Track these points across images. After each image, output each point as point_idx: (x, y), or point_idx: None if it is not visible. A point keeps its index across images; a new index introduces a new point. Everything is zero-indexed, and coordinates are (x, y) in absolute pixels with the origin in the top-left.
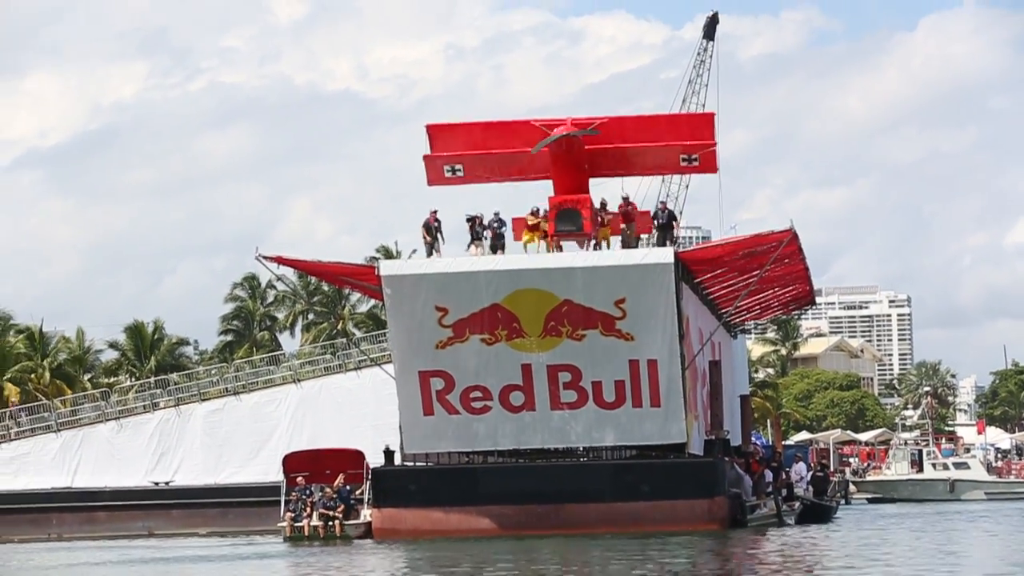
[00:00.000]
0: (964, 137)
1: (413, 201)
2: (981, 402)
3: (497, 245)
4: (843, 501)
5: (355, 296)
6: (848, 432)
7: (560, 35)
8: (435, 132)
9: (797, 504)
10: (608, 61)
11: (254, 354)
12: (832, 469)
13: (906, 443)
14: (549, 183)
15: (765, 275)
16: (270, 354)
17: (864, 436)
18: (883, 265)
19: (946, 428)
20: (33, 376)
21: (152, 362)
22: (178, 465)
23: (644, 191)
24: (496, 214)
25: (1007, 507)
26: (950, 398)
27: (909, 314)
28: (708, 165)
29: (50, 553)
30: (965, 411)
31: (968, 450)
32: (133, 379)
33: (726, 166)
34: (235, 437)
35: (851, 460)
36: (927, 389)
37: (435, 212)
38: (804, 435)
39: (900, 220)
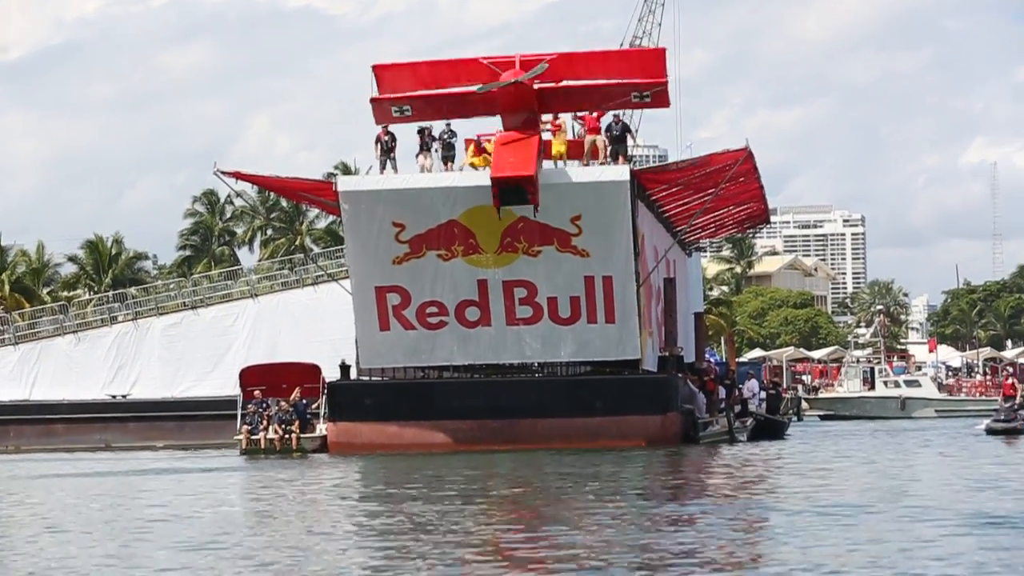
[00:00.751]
0: (920, 58)
1: (372, 118)
2: (933, 321)
3: (448, 156)
4: (795, 418)
5: (313, 212)
6: (801, 350)
7: None
8: (381, 72)
9: (750, 420)
10: None
11: (212, 269)
12: (785, 386)
13: (858, 361)
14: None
15: (720, 194)
16: (228, 269)
17: (817, 354)
18: (838, 185)
19: (898, 346)
20: None
21: (110, 276)
22: (136, 379)
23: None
24: (448, 125)
25: (956, 424)
26: (902, 316)
27: (863, 233)
28: (660, 101)
29: (9, 465)
30: (917, 329)
31: (919, 368)
32: (91, 293)
33: (684, 86)
34: (193, 351)
35: (804, 377)
36: (880, 308)
37: (386, 126)
38: (758, 352)
39: (855, 140)
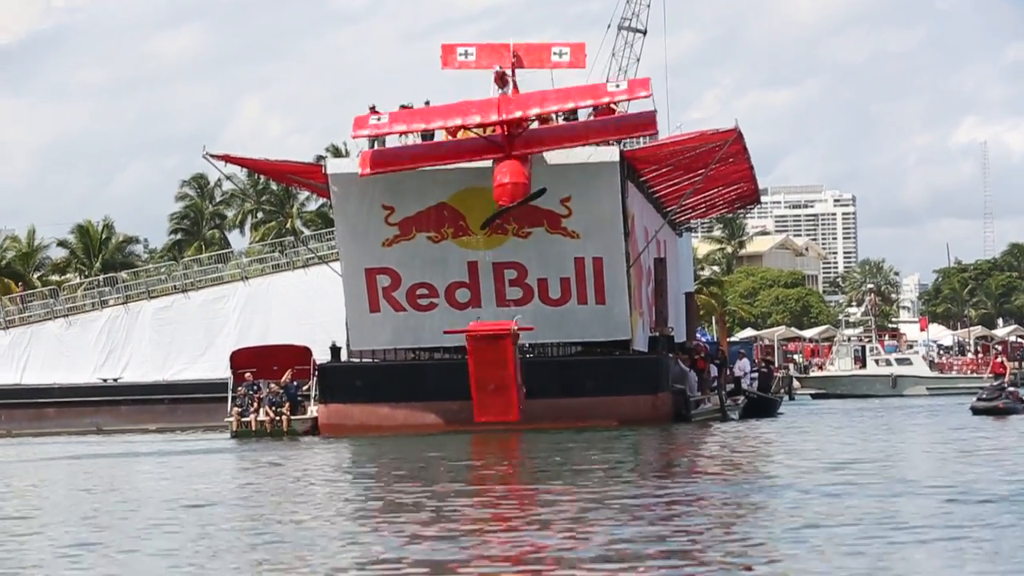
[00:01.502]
0: (911, 38)
1: (364, 99)
2: (924, 299)
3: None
4: (787, 396)
5: (304, 195)
6: (793, 329)
7: None
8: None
9: (741, 399)
10: None
11: (203, 252)
12: (776, 365)
13: (849, 339)
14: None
15: (710, 174)
16: (219, 252)
17: (808, 333)
18: (829, 164)
19: (889, 325)
20: None
21: (99, 260)
22: (127, 362)
23: None
24: (426, 103)
25: (947, 401)
26: (893, 295)
27: (854, 213)
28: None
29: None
30: (908, 308)
31: (911, 346)
32: (82, 277)
33: (674, 65)
34: (183, 334)
35: (795, 356)
36: (871, 287)
37: (373, 107)
38: (749, 332)
39: (846, 120)
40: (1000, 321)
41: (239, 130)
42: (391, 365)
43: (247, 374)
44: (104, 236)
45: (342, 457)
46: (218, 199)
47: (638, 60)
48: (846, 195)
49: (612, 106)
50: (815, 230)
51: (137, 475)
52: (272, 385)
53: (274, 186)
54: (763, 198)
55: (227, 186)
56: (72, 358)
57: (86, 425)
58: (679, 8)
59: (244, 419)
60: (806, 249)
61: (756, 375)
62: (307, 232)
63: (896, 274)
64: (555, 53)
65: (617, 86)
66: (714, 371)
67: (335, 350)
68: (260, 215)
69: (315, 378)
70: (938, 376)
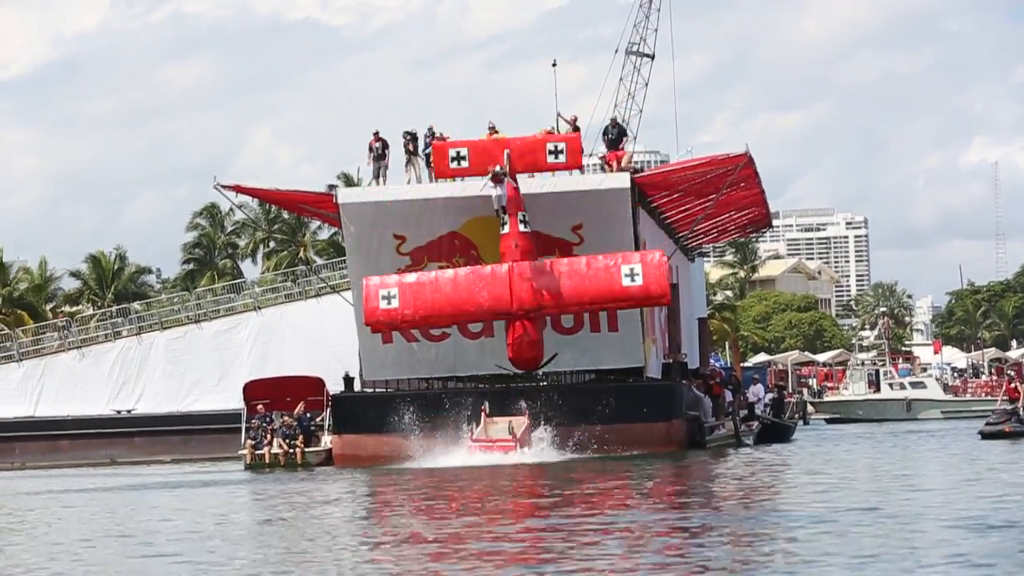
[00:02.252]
0: (920, 59)
1: (373, 127)
2: (937, 322)
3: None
4: (801, 421)
5: (316, 223)
6: (806, 353)
7: None
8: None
9: (756, 424)
10: None
11: (216, 282)
12: (790, 390)
13: (863, 363)
14: None
15: (721, 198)
16: (232, 282)
17: (822, 357)
18: (839, 187)
19: (903, 348)
20: None
21: (112, 291)
22: (140, 393)
23: (595, 118)
24: (430, 128)
25: (962, 425)
26: (906, 318)
27: (866, 235)
28: None
29: (13, 481)
30: (921, 331)
31: (925, 370)
32: (95, 308)
33: (684, 89)
34: (197, 365)
35: (809, 381)
36: (883, 310)
37: (377, 133)
38: (762, 357)
39: (856, 142)
40: (1014, 343)
41: (250, 159)
42: (404, 395)
43: (260, 406)
44: (117, 267)
45: (365, 486)
46: (230, 229)
47: (646, 85)
48: (857, 217)
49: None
50: (827, 253)
51: (152, 509)
52: (285, 417)
53: (286, 215)
54: (774, 221)
55: (239, 216)
56: (85, 390)
57: (100, 457)
58: (688, 31)
59: (258, 451)
60: (819, 272)
61: (770, 401)
62: (319, 261)
63: (909, 297)
64: (550, 152)
65: (631, 274)
66: (728, 396)
67: (348, 380)
68: (272, 244)
69: (328, 409)
70: (952, 399)
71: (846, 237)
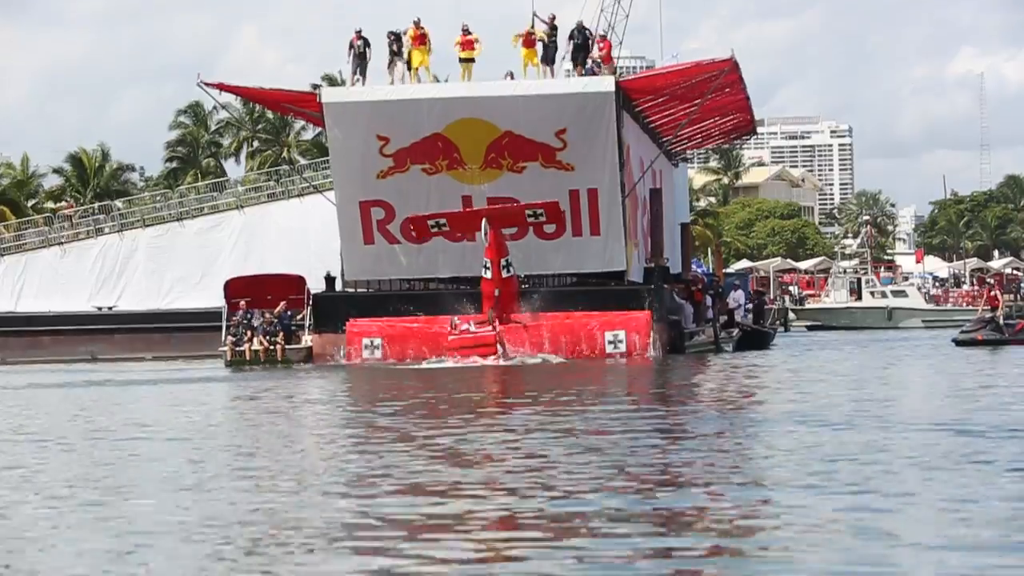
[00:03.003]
0: None
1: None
2: (920, 231)
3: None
4: (783, 328)
5: (300, 124)
6: (788, 260)
7: None
8: None
9: (736, 331)
10: None
11: (200, 181)
12: (772, 297)
13: (845, 271)
14: None
15: (706, 104)
16: (214, 180)
17: (804, 264)
18: (825, 95)
19: (885, 257)
20: None
21: (93, 188)
22: (122, 290)
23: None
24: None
25: (943, 334)
26: (889, 227)
27: (850, 144)
28: None
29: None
30: (904, 240)
31: (906, 278)
32: (77, 205)
33: None
34: (179, 263)
35: (791, 288)
36: (867, 218)
37: (359, 31)
38: (745, 263)
39: (843, 51)
40: (996, 253)
41: (236, 59)
42: (385, 295)
43: (241, 303)
44: (99, 164)
45: (344, 384)
46: (214, 128)
47: None
48: (842, 126)
49: None
50: (811, 161)
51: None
52: (266, 314)
53: (270, 115)
54: (759, 129)
55: (223, 115)
56: (67, 286)
57: (81, 353)
58: None
59: (238, 348)
60: (802, 180)
61: (751, 307)
62: (303, 161)
63: (892, 206)
64: (530, 215)
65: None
66: (709, 302)
67: (329, 280)
68: (256, 144)
69: (309, 307)
70: (934, 308)
71: (830, 146)
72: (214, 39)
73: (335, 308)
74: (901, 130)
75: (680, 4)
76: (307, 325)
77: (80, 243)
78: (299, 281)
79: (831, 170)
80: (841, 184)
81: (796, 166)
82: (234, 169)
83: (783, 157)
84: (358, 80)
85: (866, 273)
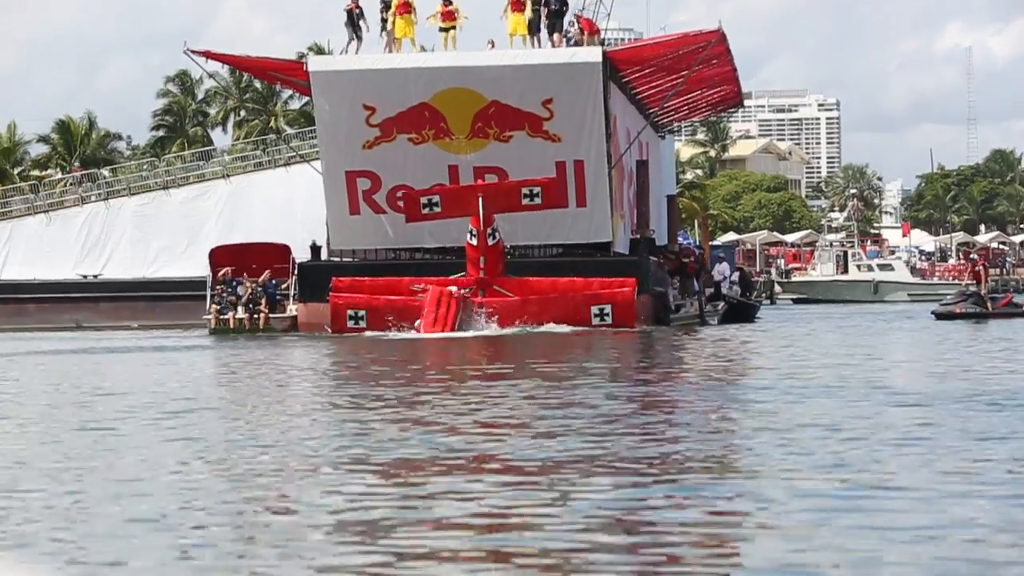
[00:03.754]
0: None
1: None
2: (906, 205)
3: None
4: (768, 301)
5: (287, 93)
6: (775, 233)
7: None
8: None
9: (721, 304)
10: None
11: (186, 150)
12: (758, 270)
13: (831, 245)
14: None
15: (693, 75)
16: (200, 149)
17: (790, 237)
18: (812, 69)
19: (871, 230)
20: None
21: (78, 156)
22: (107, 258)
23: None
24: None
25: (924, 308)
26: (876, 201)
27: (837, 117)
28: None
29: None
30: (891, 214)
31: (893, 252)
32: (63, 173)
33: None
34: (164, 231)
35: (777, 261)
36: (853, 191)
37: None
38: (731, 236)
39: (831, 25)
40: (982, 227)
41: (224, 28)
42: (371, 265)
43: (225, 272)
44: (85, 132)
45: (328, 353)
46: (201, 97)
47: None
48: (830, 99)
49: None
50: (799, 134)
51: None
52: (247, 282)
53: (257, 84)
54: (747, 102)
55: (210, 84)
56: (52, 254)
57: (65, 321)
58: None
59: (222, 317)
60: (789, 153)
61: (736, 279)
62: (290, 130)
63: (879, 179)
64: (525, 195)
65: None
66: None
67: (315, 249)
68: (243, 113)
69: (294, 276)
70: (919, 282)
71: (818, 119)
72: (202, 7)
73: (320, 277)
74: (888, 104)
75: None
76: (292, 294)
77: (65, 211)
78: (284, 250)
79: (818, 143)
80: (828, 157)
81: (783, 139)
82: (221, 138)
83: (770, 130)
84: (353, 45)
85: (852, 247)
